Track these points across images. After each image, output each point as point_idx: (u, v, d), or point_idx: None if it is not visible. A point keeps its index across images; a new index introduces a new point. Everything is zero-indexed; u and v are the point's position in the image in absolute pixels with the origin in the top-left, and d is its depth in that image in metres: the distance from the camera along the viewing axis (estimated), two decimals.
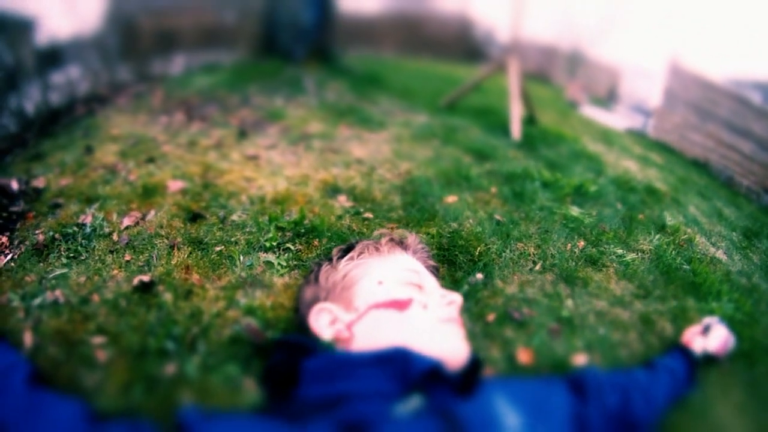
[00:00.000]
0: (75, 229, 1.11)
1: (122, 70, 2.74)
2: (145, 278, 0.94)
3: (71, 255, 1.02)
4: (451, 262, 1.38)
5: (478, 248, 1.49)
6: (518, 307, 1.29)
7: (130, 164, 1.51)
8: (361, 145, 2.12)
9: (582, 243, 1.80)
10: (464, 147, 2.53)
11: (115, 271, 0.99)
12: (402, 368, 0.64)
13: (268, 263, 1.15)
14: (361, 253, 0.90)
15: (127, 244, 1.07)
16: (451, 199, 1.79)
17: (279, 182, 1.56)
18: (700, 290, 1.85)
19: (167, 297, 0.95)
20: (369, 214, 1.50)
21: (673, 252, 2.05)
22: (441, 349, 0.72)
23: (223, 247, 1.16)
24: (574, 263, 1.62)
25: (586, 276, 1.58)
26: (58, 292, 0.90)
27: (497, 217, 1.76)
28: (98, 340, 0.84)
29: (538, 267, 1.54)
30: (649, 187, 2.79)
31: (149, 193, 1.33)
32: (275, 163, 1.71)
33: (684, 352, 1.24)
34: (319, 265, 0.92)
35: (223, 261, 1.11)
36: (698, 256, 2.10)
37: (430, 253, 1.05)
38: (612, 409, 0.83)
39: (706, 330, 1.51)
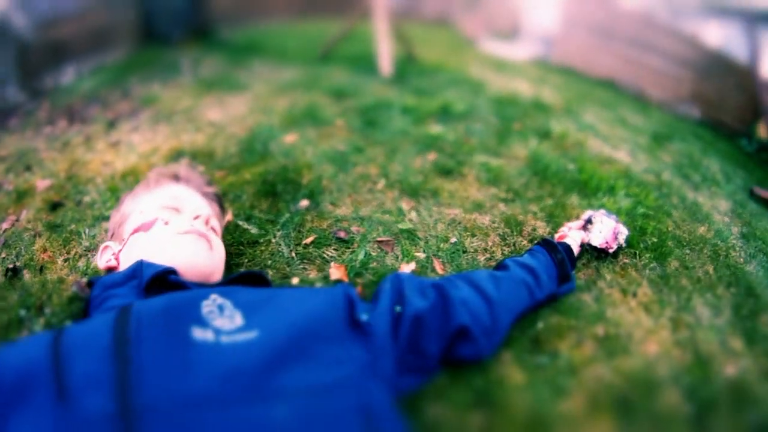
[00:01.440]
0: None
1: (13, 90, 2.96)
2: (10, 266, 1.23)
3: None
4: (276, 195, 1.54)
5: (306, 177, 1.65)
6: (347, 227, 1.40)
7: (10, 177, 1.78)
8: (221, 109, 2.42)
9: (434, 156, 1.95)
10: (325, 90, 2.81)
11: None
12: (138, 280, 0.82)
13: (107, 230, 1.31)
14: (135, 191, 1.10)
15: (3, 244, 1.34)
16: (289, 138, 1.99)
17: (130, 158, 1.82)
18: (587, 187, 1.84)
19: (27, 276, 1.19)
20: (202, 167, 1.72)
21: (557, 154, 2.03)
22: (173, 258, 0.88)
23: (74, 225, 1.41)
24: (422, 177, 1.73)
25: (437, 187, 1.68)
26: None
27: (339, 147, 1.94)
28: None
29: (379, 185, 1.66)
30: (536, 102, 2.88)
31: (21, 196, 1.60)
32: (134, 143, 1.98)
33: (549, 247, 1.23)
34: None
35: (73, 237, 1.36)
36: (589, 157, 2.05)
37: (206, 181, 1.20)
38: (419, 314, 0.86)
39: (588, 223, 1.43)
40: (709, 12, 5.27)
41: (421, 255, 1.31)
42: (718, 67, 4.15)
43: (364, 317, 0.80)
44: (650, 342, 1.22)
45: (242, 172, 1.66)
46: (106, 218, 1.43)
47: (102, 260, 0.99)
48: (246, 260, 1.24)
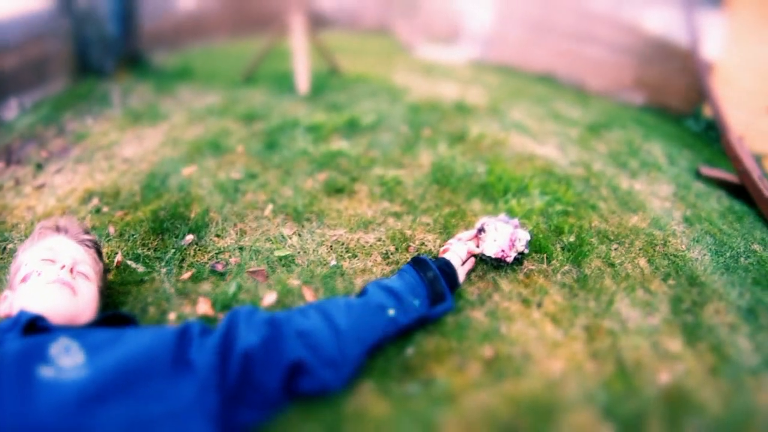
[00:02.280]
0: None
1: None
2: None
3: None
4: (165, 231, 1.60)
5: (195, 210, 1.71)
6: (227, 258, 1.46)
7: None
8: (138, 143, 2.48)
9: (326, 174, 1.95)
10: (238, 115, 2.90)
11: None
12: (20, 326, 0.94)
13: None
14: (24, 244, 1.26)
15: None
16: (187, 171, 2.05)
17: (50, 202, 1.88)
18: (494, 189, 1.81)
19: None
20: (106, 208, 1.78)
21: (468, 158, 2.05)
22: (41, 305, 1.04)
23: None
24: (309, 199, 1.77)
25: (324, 208, 1.72)
26: None
27: (234, 175, 1.99)
28: None
29: (267, 212, 1.71)
30: (459, 104, 2.89)
31: None
32: (55, 185, 2.04)
33: (418, 265, 1.23)
34: None
35: None
36: (506, 157, 2.04)
37: (84, 229, 1.33)
38: (249, 350, 0.91)
39: (481, 232, 1.39)
40: None
41: (295, 282, 1.33)
42: (660, 53, 4.29)
43: (192, 355, 0.88)
44: (555, 358, 1.14)
45: (138, 211, 1.72)
46: None
47: (1, 308, 1.13)
48: (131, 299, 1.29)
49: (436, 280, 1.17)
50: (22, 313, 0.98)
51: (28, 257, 1.18)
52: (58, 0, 3.97)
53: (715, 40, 4.23)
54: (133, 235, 1.58)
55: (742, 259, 1.71)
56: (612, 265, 1.51)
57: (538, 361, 1.12)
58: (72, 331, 0.93)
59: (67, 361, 0.83)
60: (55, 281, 1.08)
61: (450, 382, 1.03)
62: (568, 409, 1.02)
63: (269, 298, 1.28)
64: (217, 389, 0.86)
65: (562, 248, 1.53)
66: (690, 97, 4.00)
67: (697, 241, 1.76)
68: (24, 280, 1.11)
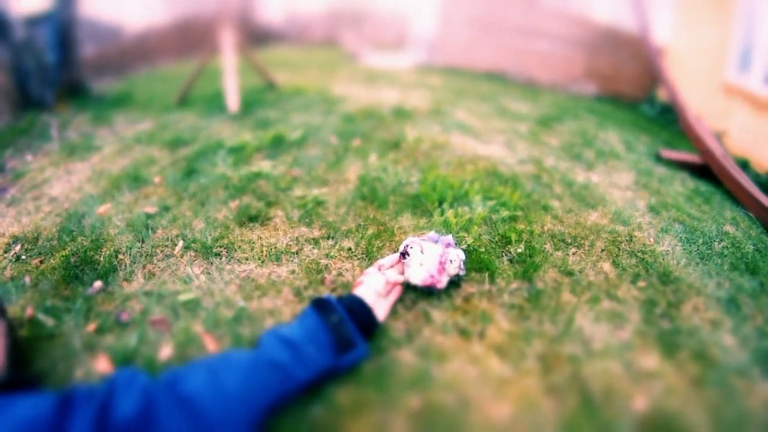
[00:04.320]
0: None
1: None
2: None
3: None
4: (76, 278, 1.51)
5: (105, 253, 1.62)
6: (132, 306, 1.36)
7: None
8: (67, 179, 2.39)
9: (239, 202, 1.83)
10: (164, 142, 2.80)
11: None
12: None
13: None
14: None
15: None
16: (103, 209, 1.97)
17: None
18: (427, 200, 1.63)
19: None
20: (25, 256, 1.68)
21: (401, 167, 1.89)
22: None
23: None
24: (221, 230, 1.67)
25: (235, 240, 1.61)
26: None
27: (148, 209, 1.89)
28: None
29: (177, 250, 1.60)
30: (398, 110, 2.75)
31: None
32: None
33: (321, 307, 1.05)
34: None
35: None
36: (446, 161, 1.86)
37: None
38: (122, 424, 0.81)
39: (404, 256, 1.19)
40: None
41: (199, 329, 1.22)
42: (609, 42, 4.32)
43: (71, 427, 0.77)
44: (502, 400, 0.95)
45: (52, 258, 1.63)
46: None
47: None
48: (41, 355, 1.17)
49: (340, 325, 0.98)
50: None
51: None
52: None
53: (664, 25, 4.24)
54: (45, 284, 1.48)
55: (715, 243, 1.60)
56: (570, 273, 1.34)
57: (480, 406, 0.92)
58: None
59: None
60: None
61: None
62: None
63: (166, 351, 1.15)
64: None
65: (510, 261, 1.35)
66: (642, 83, 4.01)
67: (666, 231, 1.63)
68: None
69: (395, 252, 1.32)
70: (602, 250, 1.47)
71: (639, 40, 4.07)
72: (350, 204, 1.64)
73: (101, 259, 1.59)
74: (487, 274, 1.27)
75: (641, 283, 1.33)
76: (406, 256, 1.16)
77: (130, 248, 1.62)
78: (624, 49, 4.17)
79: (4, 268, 1.62)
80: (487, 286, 1.24)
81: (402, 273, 1.16)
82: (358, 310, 1.02)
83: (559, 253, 1.41)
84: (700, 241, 1.59)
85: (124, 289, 1.43)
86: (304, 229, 1.56)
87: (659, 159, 2.40)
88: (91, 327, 1.29)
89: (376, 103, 2.94)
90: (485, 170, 1.86)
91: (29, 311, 1.33)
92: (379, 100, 3.06)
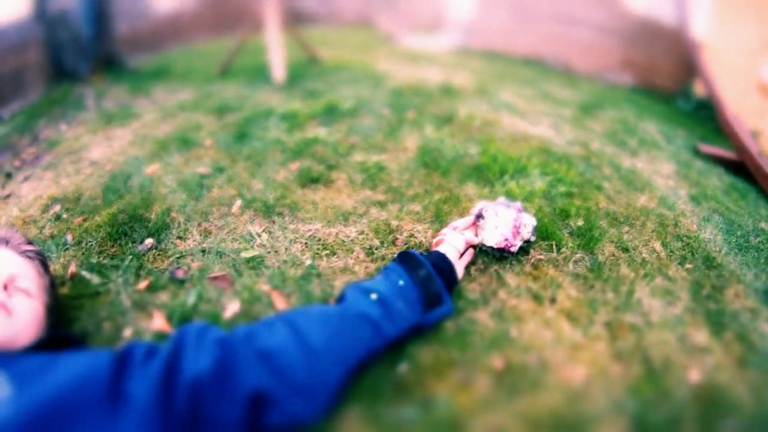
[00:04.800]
0: None
1: None
2: None
3: None
4: (124, 236, 1.46)
5: (156, 211, 1.57)
6: (188, 263, 1.31)
7: None
8: (107, 144, 2.35)
9: (300, 164, 1.77)
10: (209, 109, 2.76)
11: None
12: None
13: None
14: None
15: None
16: (151, 169, 1.92)
17: (13, 212, 1.75)
18: (489, 171, 1.62)
19: None
20: (66, 215, 1.65)
21: (458, 139, 1.88)
22: None
23: None
24: (281, 191, 1.62)
25: (297, 200, 1.56)
26: None
27: (200, 170, 1.84)
28: None
29: (234, 208, 1.55)
30: (445, 87, 2.72)
31: None
32: (22, 194, 1.92)
33: (407, 262, 1.02)
34: None
35: None
36: (499, 137, 1.87)
37: (25, 240, 1.17)
38: (198, 378, 0.74)
39: (479, 219, 1.18)
40: None
41: (264, 287, 1.16)
42: (646, 32, 4.16)
43: (130, 386, 0.72)
44: (576, 363, 0.95)
45: (97, 215, 1.57)
46: None
47: None
48: (84, 314, 1.13)
49: (429, 280, 0.96)
50: None
51: None
52: (32, 8, 3.82)
53: (702, 18, 4.11)
54: (90, 242, 1.42)
55: (752, 238, 1.57)
56: (626, 250, 1.33)
57: (556, 368, 0.92)
58: (1, 358, 0.79)
59: None
60: None
61: (454, 402, 0.83)
62: (595, 424, 0.84)
63: (232, 308, 1.09)
64: (156, 428, 0.69)
65: (570, 234, 1.34)
66: (678, 76, 3.88)
67: (707, 221, 1.61)
68: None
69: (462, 217, 1.31)
70: (652, 231, 1.46)
71: (677, 32, 3.93)
72: (413, 171, 1.62)
73: (152, 216, 1.54)
74: (553, 243, 1.25)
75: (688, 266, 1.32)
76: (481, 219, 1.15)
77: (184, 206, 1.57)
78: (660, 41, 4.03)
79: (43, 227, 1.60)
80: (553, 255, 1.23)
81: (476, 235, 1.16)
82: (443, 266, 1.00)
83: (614, 230, 1.40)
84: (738, 233, 1.57)
85: (178, 247, 1.39)
86: (368, 192, 1.53)
87: (697, 153, 2.37)
88: (143, 284, 1.24)
89: (421, 81, 2.90)
90: (538, 148, 1.83)
91: (72, 269, 1.30)
92: (423, 77, 3.02)
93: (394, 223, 1.33)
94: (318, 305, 0.96)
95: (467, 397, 0.85)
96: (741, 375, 1.00)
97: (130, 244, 1.40)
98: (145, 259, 1.33)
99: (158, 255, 1.35)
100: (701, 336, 1.09)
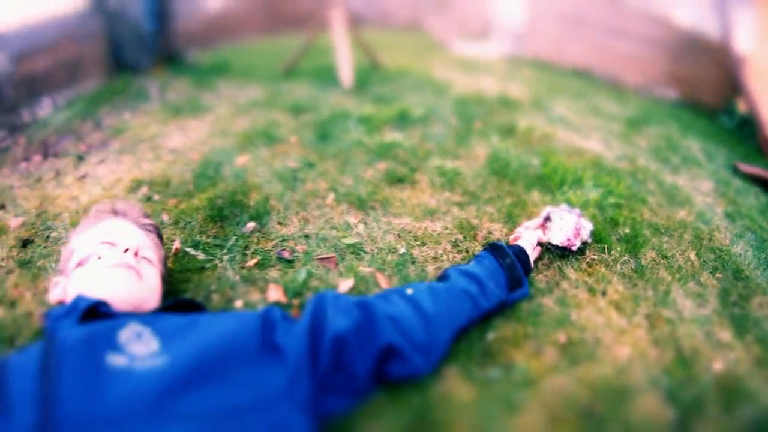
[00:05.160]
0: None
1: None
2: None
3: None
4: (224, 219, 1.55)
5: (254, 198, 1.66)
6: (292, 246, 1.41)
7: None
8: (183, 134, 2.41)
9: (385, 165, 1.91)
10: (284, 107, 2.82)
11: None
12: (76, 312, 0.87)
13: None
14: (78, 227, 1.17)
15: None
16: (241, 160, 1.99)
17: (95, 192, 1.83)
18: (551, 181, 1.80)
19: (1, 312, 1.24)
20: (157, 197, 1.74)
21: (520, 150, 2.02)
22: (104, 290, 0.95)
23: (42, 261, 1.43)
24: (371, 188, 1.73)
25: (387, 197, 1.67)
26: None
27: (290, 164, 1.93)
28: None
29: (328, 201, 1.66)
30: (502, 98, 2.83)
31: None
32: (99, 176, 2.00)
33: (496, 251, 1.20)
34: None
35: (41, 272, 1.38)
36: (556, 150, 2.01)
37: (143, 213, 1.25)
38: (340, 335, 0.85)
39: (547, 221, 1.37)
40: None
41: (366, 269, 1.29)
42: (691, 46, 4.14)
43: (280, 340, 0.82)
44: (622, 344, 1.14)
45: (193, 199, 1.67)
46: None
47: (52, 295, 1.04)
48: (192, 286, 1.24)
49: (513, 267, 1.14)
50: (79, 299, 0.90)
51: (83, 240, 1.08)
52: (90, 1, 3.87)
53: (746, 33, 4.06)
54: (189, 222, 1.52)
55: None
56: (665, 257, 1.49)
57: (607, 346, 1.12)
58: (141, 317, 0.85)
59: (139, 348, 0.75)
60: (119, 265, 0.98)
61: (528, 366, 1.03)
62: (636, 393, 1.02)
63: (345, 284, 1.23)
64: (309, 376, 0.79)
65: (618, 239, 1.52)
66: (722, 92, 3.85)
67: (740, 237, 1.73)
68: (81, 264, 1.00)
69: (530, 219, 1.50)
70: (689, 243, 1.61)
71: (720, 47, 3.89)
72: (485, 177, 1.80)
73: (251, 203, 1.62)
74: (605, 246, 1.44)
75: (718, 275, 1.47)
76: (548, 221, 1.34)
77: (282, 195, 1.66)
78: (705, 55, 3.99)
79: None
80: (605, 256, 1.41)
81: (543, 234, 1.35)
82: (523, 257, 1.19)
83: (656, 239, 1.57)
84: None
85: (279, 231, 1.47)
86: (448, 194, 1.67)
87: (736, 171, 2.46)
88: (252, 262, 1.33)
89: (480, 90, 3.03)
90: (591, 162, 1.99)
91: (176, 245, 1.38)
92: (481, 87, 3.15)
93: (474, 221, 1.51)
94: (424, 282, 1.09)
95: (538, 363, 1.04)
96: (758, 371, 1.14)
97: (232, 226, 1.49)
98: (251, 240, 1.43)
99: (262, 237, 1.44)
100: (726, 335, 1.24)
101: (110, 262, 0.99)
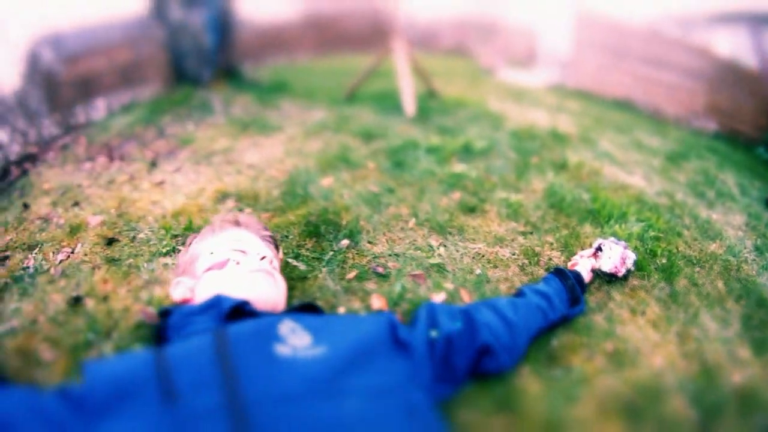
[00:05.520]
0: (21, 272, 1.51)
1: (48, 124, 3.03)
2: (74, 294, 1.37)
3: (21, 293, 1.42)
4: (318, 235, 1.68)
5: (345, 218, 1.78)
6: (384, 263, 1.56)
7: (59, 211, 1.90)
8: (257, 151, 2.48)
9: (459, 195, 2.10)
10: (354, 132, 2.85)
11: (54, 296, 1.39)
12: (218, 310, 0.95)
13: (165, 265, 1.53)
14: (202, 234, 1.27)
15: (61, 273, 1.48)
16: (326, 181, 2.09)
17: (178, 199, 1.93)
18: (600, 215, 1.97)
19: (91, 304, 1.34)
20: (249, 209, 1.86)
21: (573, 185, 2.18)
22: (248, 292, 1.04)
23: (132, 260, 1.55)
24: (448, 215, 1.86)
25: (462, 223, 1.82)
26: (14, 321, 1.29)
27: (371, 188, 2.04)
28: (44, 346, 1.21)
29: (411, 224, 1.80)
30: (553, 133, 2.99)
31: (75, 230, 1.72)
32: (178, 184, 2.08)
33: (560, 275, 1.39)
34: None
35: (132, 270, 1.50)
36: (603, 186, 2.20)
37: (263, 226, 1.36)
38: (451, 335, 1.02)
39: (598, 250, 1.58)
40: (716, 20, 5.25)
41: (450, 286, 1.46)
42: (730, 76, 4.14)
43: (406, 338, 0.96)
44: (657, 355, 1.38)
45: (287, 214, 1.80)
46: (164, 254, 1.57)
47: (177, 293, 1.12)
48: (297, 293, 1.37)
49: (573, 288, 1.35)
50: (222, 298, 0.98)
51: (212, 246, 1.17)
52: (151, 9, 3.89)
53: None
54: (285, 236, 1.64)
55: None
56: (696, 285, 1.69)
57: (645, 356, 1.34)
58: (288, 315, 0.96)
59: (297, 341, 0.85)
60: (259, 270, 1.10)
61: (583, 368, 1.25)
62: (667, 394, 1.24)
63: (437, 297, 1.41)
64: (428, 367, 0.96)
65: (656, 269, 1.73)
66: (760, 123, 3.86)
67: (766, 269, 1.89)
68: (212, 268, 1.10)
69: (583, 249, 1.72)
70: (717, 273, 1.77)
71: (759, 76, 3.91)
72: (544, 210, 1.99)
73: (343, 222, 1.75)
74: (645, 274, 1.65)
75: (743, 302, 1.64)
76: (599, 251, 1.56)
77: (370, 217, 1.79)
78: (743, 85, 3.97)
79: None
80: (644, 282, 1.62)
81: (595, 262, 1.57)
82: (580, 280, 1.43)
83: (688, 269, 1.75)
84: None
85: (371, 249, 1.61)
86: (513, 223, 1.83)
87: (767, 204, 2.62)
88: (351, 275, 1.47)
89: (532, 124, 3.17)
90: (634, 197, 2.18)
91: (279, 255, 1.43)
92: (533, 120, 3.29)
93: (537, 249, 1.73)
94: (504, 297, 1.28)
95: (591, 366, 1.27)
96: None
97: (328, 242, 1.64)
98: (347, 255, 1.57)
99: (357, 254, 1.58)
100: (745, 353, 1.43)
101: (251, 267, 1.10)
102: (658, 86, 4.47)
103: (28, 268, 1.54)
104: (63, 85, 3.18)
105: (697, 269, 1.80)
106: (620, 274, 1.57)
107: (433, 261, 1.58)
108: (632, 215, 2.02)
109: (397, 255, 1.60)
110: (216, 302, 0.98)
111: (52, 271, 1.52)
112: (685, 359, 1.38)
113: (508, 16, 7.97)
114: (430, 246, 1.67)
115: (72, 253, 1.60)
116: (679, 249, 1.90)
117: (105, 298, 1.36)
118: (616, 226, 1.92)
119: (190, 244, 1.28)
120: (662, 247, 1.87)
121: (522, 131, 2.98)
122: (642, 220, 2.00)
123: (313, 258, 1.55)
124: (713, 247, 1.97)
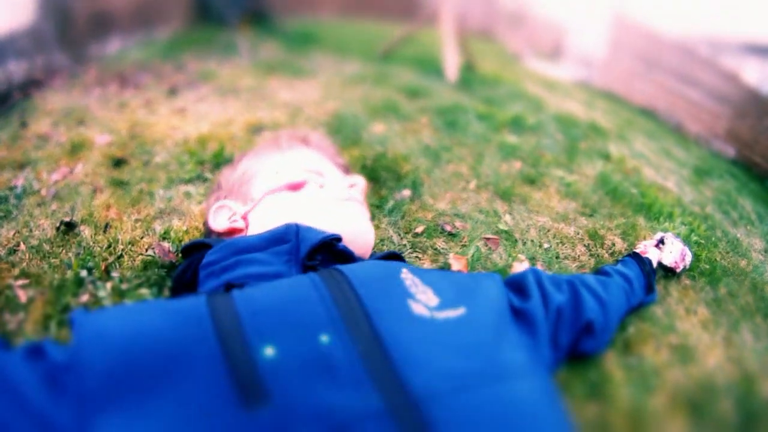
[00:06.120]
0: (7, 192, 1.26)
1: (58, 56, 2.82)
2: (67, 219, 1.09)
3: (2, 215, 1.15)
4: (376, 181, 1.52)
5: (405, 167, 1.64)
6: (450, 221, 1.40)
7: (61, 130, 1.67)
8: (291, 91, 2.34)
9: (519, 164, 1.99)
10: (396, 87, 2.75)
11: (42, 221, 1.13)
12: (294, 244, 0.67)
13: (187, 194, 1.31)
14: (260, 150, 0.96)
15: (54, 195, 1.23)
16: (378, 127, 1.96)
17: (203, 126, 1.75)
18: (651, 211, 1.90)
19: (86, 233, 1.08)
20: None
21: (619, 177, 2.13)
22: (337, 225, 0.76)
23: (144, 184, 1.32)
24: (510, 182, 1.74)
25: (525, 194, 1.69)
26: None
27: (427, 141, 1.92)
28: (21, 282, 0.94)
29: (472, 185, 1.67)
30: (592, 124, 2.90)
31: (77, 149, 1.49)
32: (202, 112, 1.91)
33: (638, 259, 1.34)
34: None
35: (144, 197, 1.26)
36: (646, 183, 2.12)
37: (337, 151, 1.10)
38: (560, 307, 0.83)
39: (660, 243, 1.52)
40: (747, 48, 5.19)
41: (522, 257, 1.33)
42: (754, 106, 4.01)
43: (522, 306, 0.76)
44: (709, 355, 1.34)
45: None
46: (186, 181, 1.36)
47: (220, 220, 0.83)
48: None
49: (650, 274, 1.30)
50: (303, 229, 0.71)
51: (278, 165, 0.88)
52: None
53: None
54: None
55: None
56: (732, 295, 1.66)
57: (700, 354, 1.31)
58: (400, 263, 0.73)
59: (424, 297, 0.62)
60: (350, 199, 0.83)
61: (653, 359, 1.22)
62: (719, 394, 1.22)
63: (520, 265, 1.26)
64: (548, 342, 0.78)
65: (701, 273, 1.70)
66: None
67: None
68: (287, 187, 0.80)
69: (640, 240, 1.67)
70: (748, 289, 1.78)
71: None
72: (600, 195, 1.92)
73: (402, 171, 1.61)
74: (694, 275, 1.63)
75: None
76: (662, 243, 1.50)
77: (430, 171, 1.66)
78: (765, 118, 3.84)
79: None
80: (694, 283, 1.59)
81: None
82: (653, 268, 1.37)
83: (725, 279, 1.74)
84: None
85: (434, 205, 1.45)
86: (573, 203, 1.72)
87: None
88: (419, 229, 1.31)
89: (570, 113, 3.08)
90: (674, 200, 2.15)
91: None
92: (570, 110, 3.21)
93: (600, 231, 1.65)
94: (590, 275, 1.11)
95: (659, 358, 1.23)
96: None
97: (384, 190, 1.50)
98: (411, 207, 1.40)
99: (420, 207, 1.42)
100: None
101: (339, 194, 0.83)
102: (684, 102, 4.39)
103: (16, 187, 1.27)
104: (78, 19, 2.92)
105: (732, 281, 1.77)
106: (678, 270, 1.52)
107: (501, 227, 1.46)
108: (677, 217, 1.96)
109: (462, 215, 1.46)
110: (287, 234, 0.69)
111: (43, 192, 1.26)
112: (731, 363, 1.35)
113: (537, 7, 7.57)
114: (496, 211, 1.54)
115: (70, 173, 1.36)
116: (717, 258, 1.85)
117: (105, 227, 1.10)
118: (667, 224, 1.87)
119: (240, 162, 0.96)
120: (704, 253, 1.82)
121: (563, 117, 2.89)
122: (685, 223, 1.95)
123: (372, 205, 1.38)
124: (743, 263, 1.94)
